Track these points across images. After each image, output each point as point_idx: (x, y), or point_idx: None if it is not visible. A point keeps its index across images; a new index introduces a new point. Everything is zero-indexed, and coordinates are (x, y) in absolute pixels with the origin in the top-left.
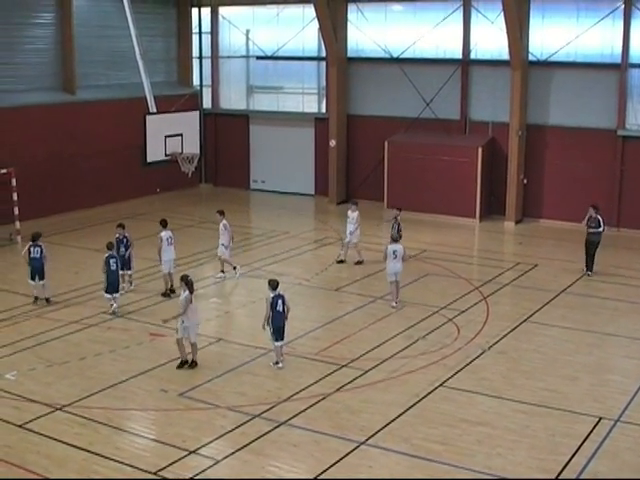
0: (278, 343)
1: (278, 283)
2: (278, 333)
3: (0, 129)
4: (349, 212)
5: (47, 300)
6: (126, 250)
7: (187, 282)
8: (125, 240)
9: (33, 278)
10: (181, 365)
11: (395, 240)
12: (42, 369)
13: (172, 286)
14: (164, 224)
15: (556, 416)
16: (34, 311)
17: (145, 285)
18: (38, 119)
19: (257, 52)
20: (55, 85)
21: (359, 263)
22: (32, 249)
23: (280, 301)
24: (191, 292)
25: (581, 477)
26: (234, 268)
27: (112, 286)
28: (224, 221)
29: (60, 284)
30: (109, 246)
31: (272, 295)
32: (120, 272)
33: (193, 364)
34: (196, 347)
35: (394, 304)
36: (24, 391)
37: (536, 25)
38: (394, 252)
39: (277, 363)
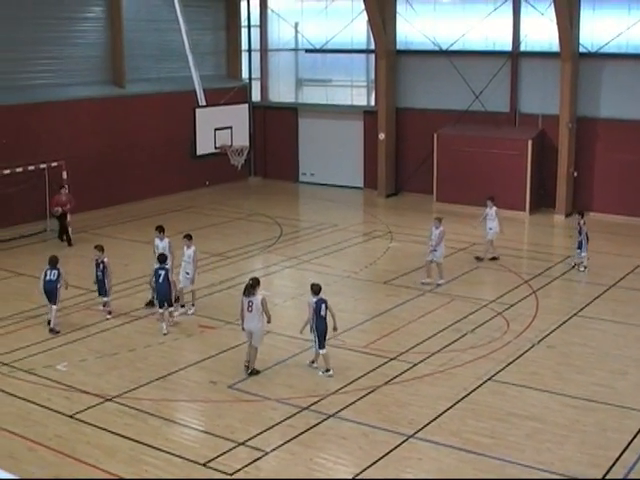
0: (322, 350)
1: (320, 287)
2: (323, 338)
3: (51, 123)
4: (487, 209)
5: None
6: (103, 275)
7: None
8: (102, 265)
9: (49, 301)
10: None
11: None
12: (92, 360)
13: (175, 292)
14: (161, 230)
15: (606, 411)
16: (84, 303)
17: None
18: (88, 113)
19: (306, 45)
20: (105, 79)
21: (494, 259)
22: (49, 272)
23: (323, 306)
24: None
25: (631, 473)
26: (182, 306)
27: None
28: (193, 247)
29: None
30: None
31: (315, 300)
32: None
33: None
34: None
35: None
36: (75, 382)
37: (587, 16)
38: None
39: (327, 370)
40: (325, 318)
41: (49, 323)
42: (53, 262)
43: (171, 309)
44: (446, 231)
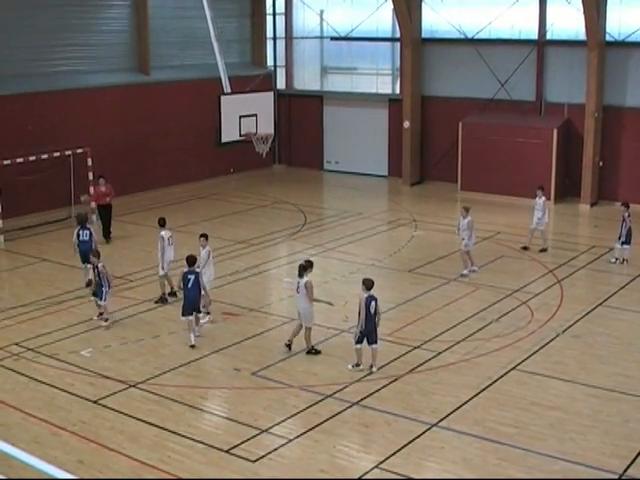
0: (358, 346)
1: (373, 283)
2: (370, 336)
3: (76, 110)
4: (536, 198)
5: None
6: (100, 280)
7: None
8: (97, 271)
9: (84, 262)
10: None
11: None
12: (117, 346)
13: (172, 288)
14: (162, 223)
15: (630, 402)
16: (109, 289)
17: (219, 265)
18: (113, 100)
19: (331, 33)
20: (130, 66)
21: (543, 250)
22: (81, 232)
23: (373, 303)
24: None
25: None
26: (208, 313)
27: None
28: (207, 248)
29: (135, 263)
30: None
31: (366, 296)
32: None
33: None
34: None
35: None
36: (99, 368)
37: (613, 4)
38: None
39: (368, 366)
40: (374, 316)
41: (89, 284)
42: (83, 220)
43: (199, 316)
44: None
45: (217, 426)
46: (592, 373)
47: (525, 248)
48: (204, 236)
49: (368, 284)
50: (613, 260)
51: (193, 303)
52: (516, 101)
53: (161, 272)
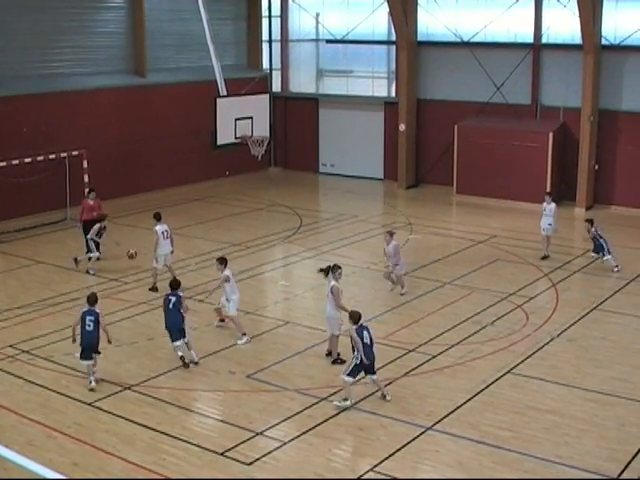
0: (374, 377)
1: (360, 315)
2: (370, 367)
3: (72, 112)
4: (544, 204)
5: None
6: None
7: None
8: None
9: (86, 357)
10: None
11: None
12: (111, 349)
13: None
14: (158, 217)
15: (626, 405)
16: (104, 291)
17: (214, 267)
18: (109, 102)
19: (327, 36)
20: (126, 68)
21: (545, 258)
22: (87, 317)
23: (366, 332)
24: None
25: None
26: (243, 334)
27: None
28: (227, 272)
29: (130, 265)
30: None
31: (355, 327)
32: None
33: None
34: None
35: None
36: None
37: (609, 8)
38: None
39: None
40: (371, 346)
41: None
42: (92, 302)
43: (186, 340)
44: (463, 223)
45: (212, 429)
46: (587, 377)
47: (545, 257)
48: (220, 261)
49: (355, 317)
50: (615, 269)
51: (174, 326)
52: (512, 104)
53: (154, 264)
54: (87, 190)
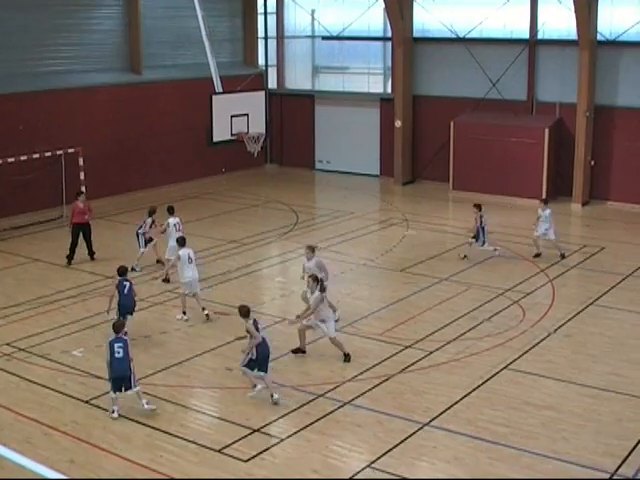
0: (248, 370)
1: (248, 310)
2: (263, 364)
3: (68, 109)
4: (539, 210)
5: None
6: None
7: (317, 281)
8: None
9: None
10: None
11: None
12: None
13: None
14: (171, 211)
15: (622, 401)
16: (101, 289)
17: (210, 265)
18: (105, 99)
19: (322, 32)
20: (122, 66)
21: (538, 255)
22: (115, 345)
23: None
24: (322, 291)
25: None
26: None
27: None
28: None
29: (126, 263)
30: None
31: (251, 321)
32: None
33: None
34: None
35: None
36: (91, 367)
37: (605, 3)
38: None
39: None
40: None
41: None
42: (119, 329)
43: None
44: (459, 219)
45: (209, 426)
46: (584, 372)
47: (562, 256)
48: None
49: (243, 311)
50: (496, 252)
51: (128, 308)
52: (508, 100)
53: (167, 255)
54: (77, 192)
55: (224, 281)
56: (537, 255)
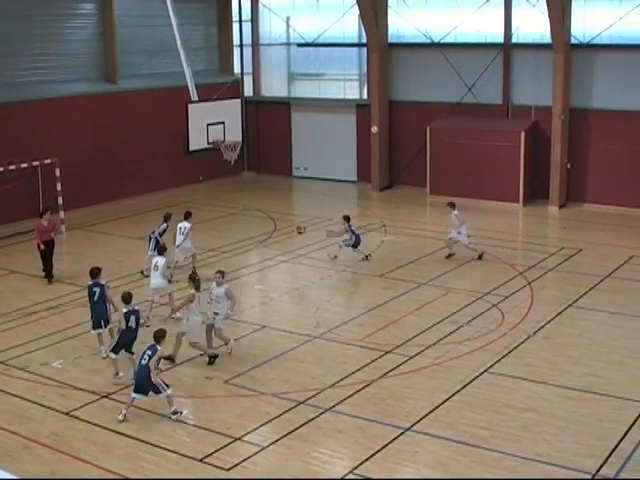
0: (114, 355)
1: (130, 295)
2: (129, 346)
3: (44, 119)
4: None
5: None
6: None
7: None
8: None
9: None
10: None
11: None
12: (88, 357)
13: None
14: (186, 216)
15: (602, 402)
16: (80, 299)
17: (189, 273)
18: (81, 109)
19: (298, 39)
20: (97, 75)
21: (450, 256)
22: (131, 317)
23: (133, 317)
24: (196, 290)
25: (628, 463)
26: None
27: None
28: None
29: (105, 273)
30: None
31: (125, 311)
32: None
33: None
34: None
35: None
36: (70, 379)
37: (578, 7)
38: None
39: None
40: (136, 329)
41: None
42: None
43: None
44: (437, 224)
45: (190, 435)
46: (564, 374)
47: (450, 256)
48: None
49: (125, 298)
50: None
51: (102, 316)
52: (483, 104)
53: (176, 256)
54: (42, 210)
55: (203, 290)
56: (449, 256)
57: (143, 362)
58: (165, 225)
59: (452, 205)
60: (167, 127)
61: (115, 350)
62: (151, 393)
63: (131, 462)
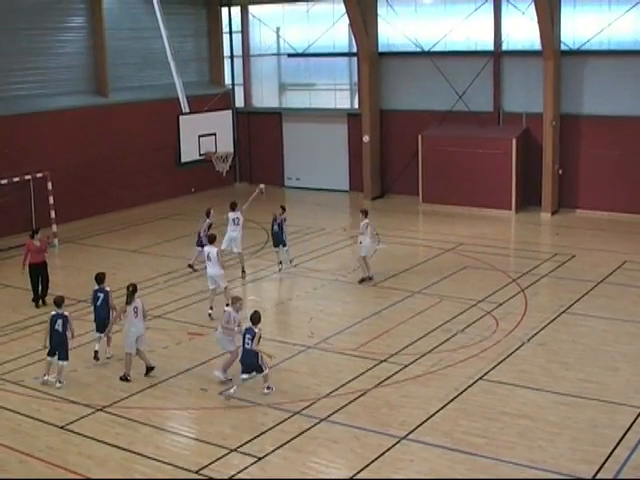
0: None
1: (61, 300)
2: (60, 352)
3: (35, 133)
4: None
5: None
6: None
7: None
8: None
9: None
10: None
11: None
12: (82, 370)
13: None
14: (233, 207)
15: (597, 407)
16: (74, 313)
17: (183, 285)
18: (72, 122)
19: (288, 49)
20: (88, 88)
21: (365, 280)
22: (57, 319)
23: (60, 321)
24: (128, 304)
25: (624, 468)
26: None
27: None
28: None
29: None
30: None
31: (53, 313)
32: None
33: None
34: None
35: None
36: (65, 393)
37: (567, 14)
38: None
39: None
40: (63, 334)
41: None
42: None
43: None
44: (430, 232)
45: (185, 447)
46: (558, 380)
47: (364, 280)
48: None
49: (57, 301)
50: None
51: (103, 320)
52: (474, 112)
53: (223, 245)
54: (33, 230)
55: (197, 301)
56: (363, 280)
57: (247, 346)
58: (209, 221)
59: (364, 213)
60: (158, 139)
61: (50, 353)
62: (254, 373)
63: (126, 475)
